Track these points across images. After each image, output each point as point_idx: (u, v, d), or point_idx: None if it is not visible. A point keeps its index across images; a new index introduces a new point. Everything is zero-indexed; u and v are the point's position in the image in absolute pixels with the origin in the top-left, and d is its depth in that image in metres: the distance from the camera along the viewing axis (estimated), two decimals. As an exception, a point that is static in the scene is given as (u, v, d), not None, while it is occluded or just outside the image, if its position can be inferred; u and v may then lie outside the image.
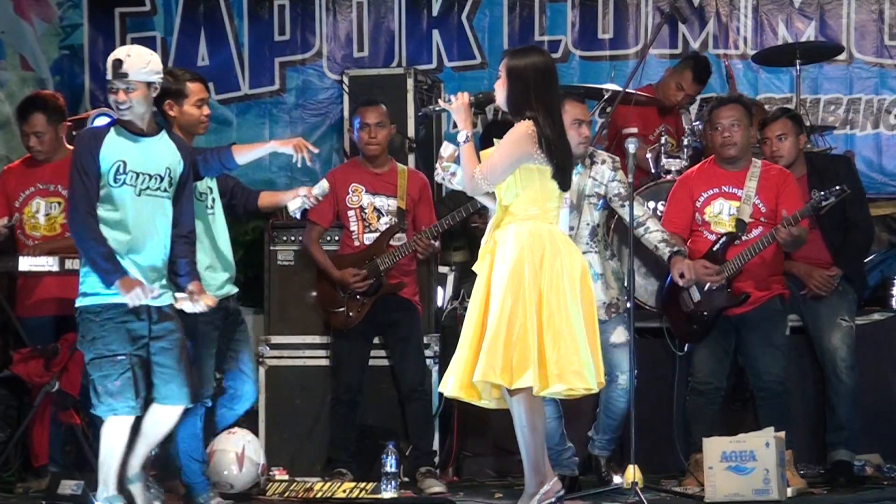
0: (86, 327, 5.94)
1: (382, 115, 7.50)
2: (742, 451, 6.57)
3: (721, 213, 7.17)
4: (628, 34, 9.23)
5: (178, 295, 6.02)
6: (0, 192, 7.47)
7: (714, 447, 6.63)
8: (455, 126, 5.96)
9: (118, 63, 5.96)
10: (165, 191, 6.04)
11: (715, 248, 7.10)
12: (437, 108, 6.24)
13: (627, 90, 8.32)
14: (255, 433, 7.39)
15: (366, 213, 7.54)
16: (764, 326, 7.07)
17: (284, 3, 9.44)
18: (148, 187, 6.00)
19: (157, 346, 5.97)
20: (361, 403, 7.49)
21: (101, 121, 6.91)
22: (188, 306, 6.02)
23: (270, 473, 7.28)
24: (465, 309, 6.27)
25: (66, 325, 6.84)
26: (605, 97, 8.12)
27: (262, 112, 9.43)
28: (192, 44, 9.46)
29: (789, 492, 6.65)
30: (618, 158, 6.95)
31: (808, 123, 8.01)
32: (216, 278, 6.48)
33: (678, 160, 7.90)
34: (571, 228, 6.86)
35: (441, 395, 6.39)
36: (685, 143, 8.06)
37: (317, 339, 7.72)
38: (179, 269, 6.06)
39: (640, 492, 6.38)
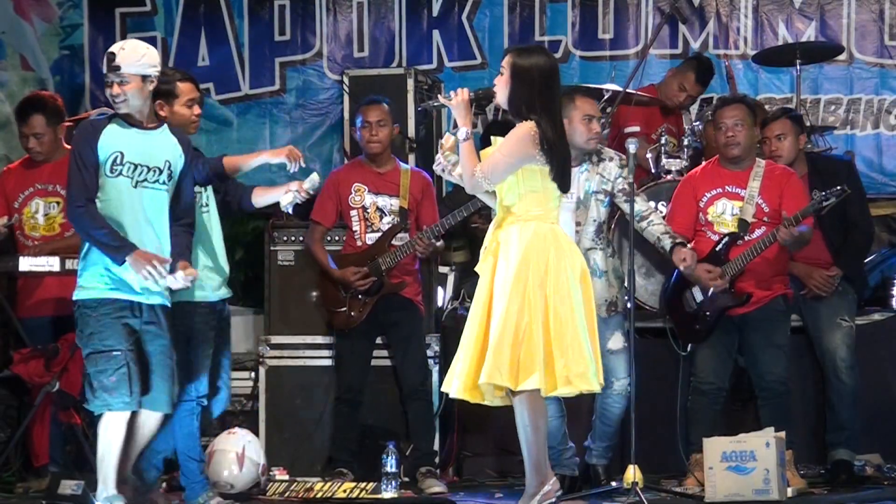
0: (83, 322, 5.95)
1: (384, 113, 7.50)
2: (742, 451, 6.57)
3: (724, 213, 7.16)
4: (628, 34, 9.23)
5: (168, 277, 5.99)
6: (-1, 193, 7.50)
7: (714, 447, 6.63)
8: (455, 125, 5.95)
9: (112, 56, 5.99)
10: (164, 184, 6.04)
11: (717, 249, 7.10)
12: (437, 104, 6.22)
13: (628, 90, 8.32)
14: (256, 433, 7.40)
15: (368, 213, 7.54)
16: (766, 326, 7.07)
17: (285, 3, 9.43)
18: (145, 179, 5.99)
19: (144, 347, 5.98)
20: (363, 403, 7.49)
21: (102, 120, 6.91)
22: (172, 281, 5.97)
23: (271, 473, 7.28)
24: (466, 309, 6.27)
25: (67, 326, 6.82)
26: (606, 97, 8.12)
27: (263, 112, 9.42)
28: (193, 44, 9.45)
29: (789, 492, 6.66)
30: (624, 156, 6.95)
31: (808, 124, 8.01)
32: (213, 279, 6.47)
33: (678, 160, 7.90)
34: (578, 224, 6.87)
35: (441, 394, 6.39)
36: (685, 143, 8.06)
37: (317, 339, 7.72)
38: (172, 251, 6.01)
39: (640, 492, 6.38)
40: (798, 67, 8.42)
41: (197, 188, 6.40)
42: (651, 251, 7.30)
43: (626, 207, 6.87)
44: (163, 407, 6.02)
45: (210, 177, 6.38)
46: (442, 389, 6.12)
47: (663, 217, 7.20)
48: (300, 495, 7.01)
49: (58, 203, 7.36)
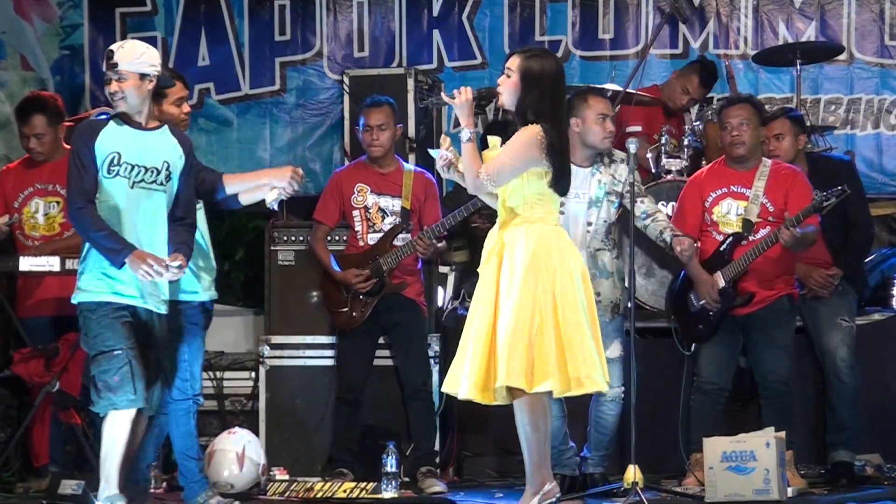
0: (86, 325, 5.94)
1: (386, 116, 7.48)
2: (742, 451, 6.57)
3: (729, 213, 7.15)
4: (629, 34, 9.22)
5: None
6: (-2, 193, 7.50)
7: (714, 447, 6.63)
8: (456, 124, 5.94)
9: (110, 54, 5.99)
10: (161, 184, 6.01)
11: (722, 249, 7.09)
12: (439, 101, 6.18)
13: (629, 90, 8.32)
14: (256, 433, 7.40)
15: (370, 213, 7.54)
16: (770, 326, 7.06)
17: (285, 2, 9.43)
18: (143, 180, 5.97)
19: None
20: (364, 403, 7.50)
21: (102, 120, 6.91)
22: (167, 275, 5.95)
23: (271, 473, 7.28)
24: (466, 309, 6.26)
25: (67, 326, 6.84)
26: (607, 97, 8.10)
27: (263, 112, 9.41)
28: (193, 44, 9.45)
29: (790, 492, 6.65)
30: None
31: (808, 123, 8.01)
32: (203, 278, 6.45)
33: (678, 160, 7.90)
34: (589, 224, 6.87)
35: (442, 394, 6.38)
36: (685, 143, 8.06)
37: (317, 339, 7.72)
38: (169, 245, 5.97)
39: (640, 492, 6.38)
40: (798, 67, 8.42)
41: None
42: (651, 249, 7.30)
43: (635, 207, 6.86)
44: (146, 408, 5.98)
45: (203, 194, 6.31)
46: (444, 390, 6.07)
47: (668, 218, 7.20)
48: (300, 495, 7.01)
49: (58, 203, 7.36)
